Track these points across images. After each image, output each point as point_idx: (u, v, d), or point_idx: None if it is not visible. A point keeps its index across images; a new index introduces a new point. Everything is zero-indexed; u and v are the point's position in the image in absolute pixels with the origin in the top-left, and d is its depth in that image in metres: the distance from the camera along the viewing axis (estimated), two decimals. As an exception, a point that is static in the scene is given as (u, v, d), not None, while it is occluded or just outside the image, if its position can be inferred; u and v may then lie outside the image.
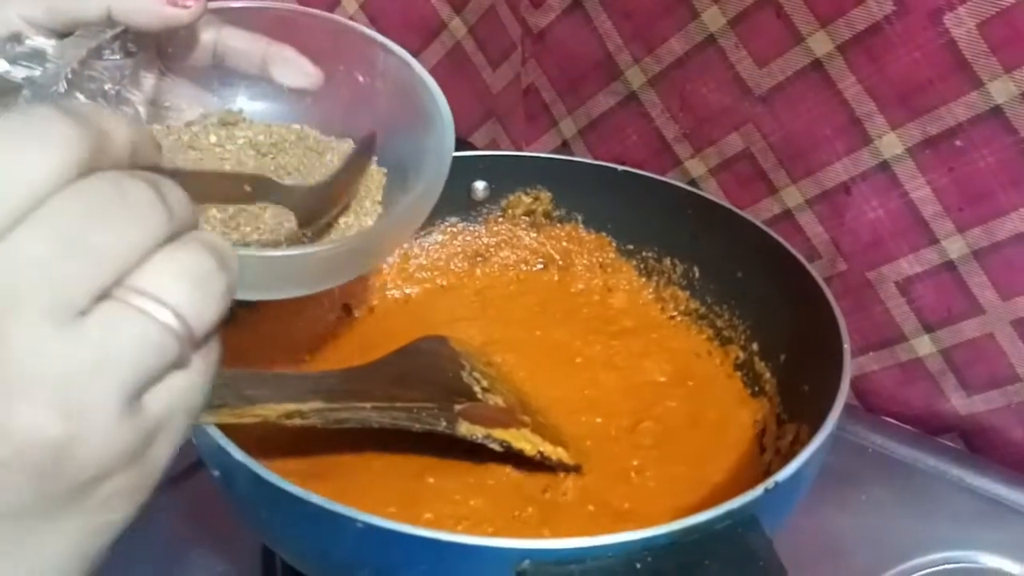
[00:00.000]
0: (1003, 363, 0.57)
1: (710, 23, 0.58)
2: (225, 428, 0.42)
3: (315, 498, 0.38)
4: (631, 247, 0.64)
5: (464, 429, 0.47)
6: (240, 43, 0.42)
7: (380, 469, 0.49)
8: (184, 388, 0.24)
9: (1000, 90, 0.50)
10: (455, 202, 0.64)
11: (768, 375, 0.56)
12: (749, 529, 0.38)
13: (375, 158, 0.42)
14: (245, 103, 0.44)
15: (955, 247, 0.56)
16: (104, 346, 0.22)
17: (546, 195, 0.64)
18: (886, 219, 0.57)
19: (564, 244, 0.65)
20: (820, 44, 0.55)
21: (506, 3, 0.68)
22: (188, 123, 0.43)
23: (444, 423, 0.47)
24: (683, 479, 0.50)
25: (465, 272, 0.65)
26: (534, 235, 0.65)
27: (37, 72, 0.37)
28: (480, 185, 0.64)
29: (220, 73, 0.43)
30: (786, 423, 0.52)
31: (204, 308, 0.23)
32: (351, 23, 0.44)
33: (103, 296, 0.22)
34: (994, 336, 0.57)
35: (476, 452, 0.48)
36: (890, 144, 0.55)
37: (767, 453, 0.52)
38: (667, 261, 0.63)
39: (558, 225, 0.65)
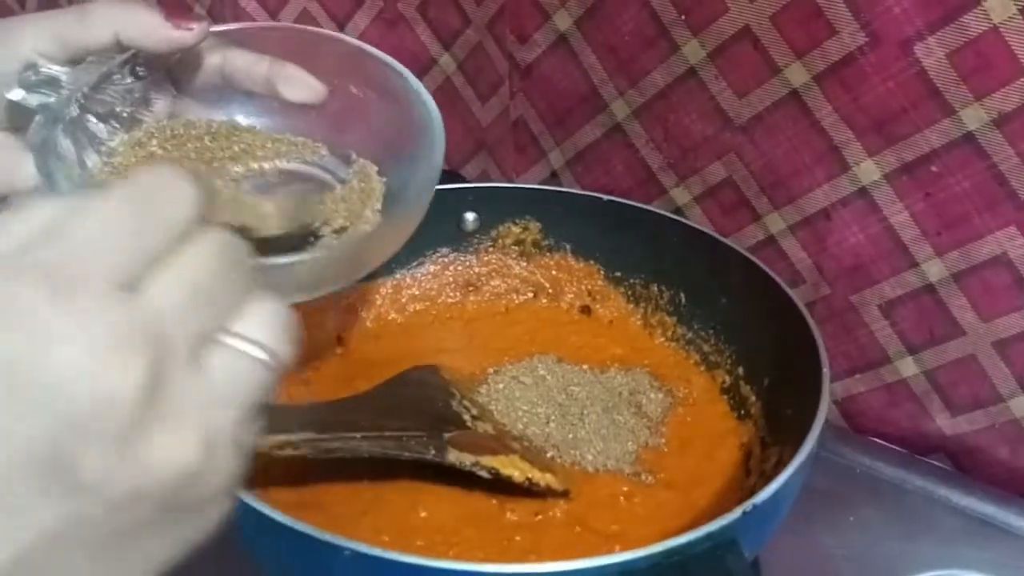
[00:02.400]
0: (986, 384, 0.58)
1: (690, 56, 0.60)
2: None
3: (306, 527, 0.39)
4: (619, 275, 0.65)
5: (453, 457, 0.48)
6: (245, 63, 0.44)
7: (372, 499, 0.50)
8: (262, 419, 0.27)
9: (972, 117, 0.52)
10: (446, 233, 0.66)
11: (753, 399, 0.57)
12: (728, 551, 0.39)
13: (375, 168, 0.44)
14: (252, 120, 0.45)
15: (934, 270, 0.57)
16: (230, 381, 0.25)
17: (535, 225, 0.66)
18: (867, 244, 0.58)
19: (553, 273, 0.66)
20: (797, 75, 0.56)
21: (493, 39, 0.69)
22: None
23: (433, 451, 0.48)
24: (671, 504, 0.51)
25: (456, 301, 0.66)
26: (524, 264, 0.67)
27: (52, 99, 0.39)
28: (470, 216, 0.66)
29: (228, 93, 0.44)
30: (770, 446, 0.53)
31: (286, 348, 0.26)
32: (345, 37, 0.46)
33: (215, 340, 0.25)
34: (976, 357, 0.58)
35: (466, 479, 0.49)
36: (868, 171, 0.56)
37: (752, 476, 0.52)
38: (654, 288, 0.64)
39: (547, 254, 0.66)
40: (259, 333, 0.25)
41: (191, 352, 0.24)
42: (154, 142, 0.41)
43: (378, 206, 0.43)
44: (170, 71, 0.43)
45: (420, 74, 0.72)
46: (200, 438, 0.24)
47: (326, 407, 0.52)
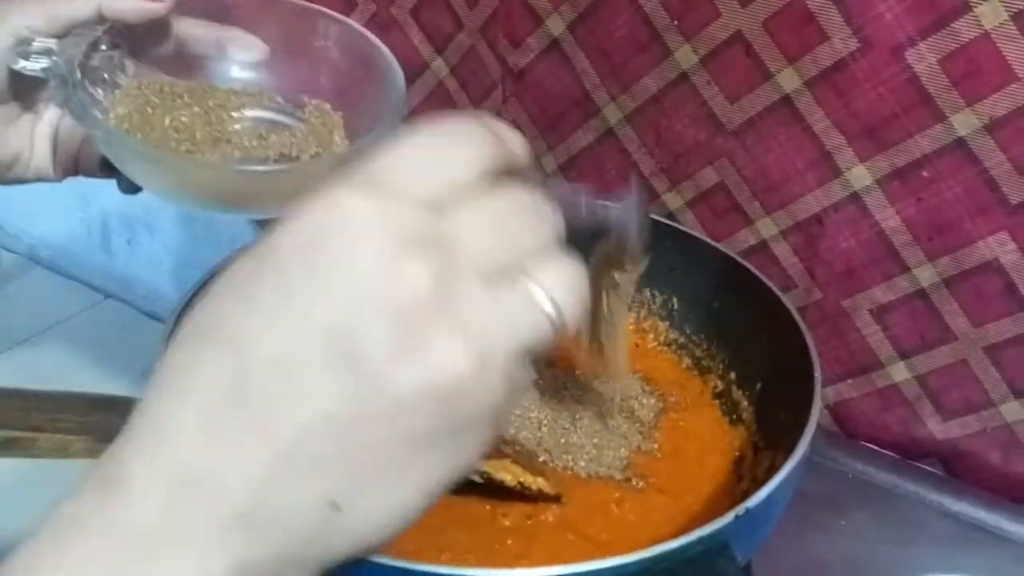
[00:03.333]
0: (977, 389, 0.58)
1: (682, 61, 0.60)
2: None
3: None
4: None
5: None
6: (197, 30, 0.49)
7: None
8: (534, 370, 0.27)
9: (963, 123, 0.52)
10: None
11: (745, 403, 0.57)
12: (720, 556, 0.39)
13: (328, 105, 0.50)
14: (212, 80, 0.51)
15: (926, 275, 0.57)
16: (514, 316, 0.25)
17: (528, 230, 0.65)
18: (858, 249, 0.59)
19: (546, 277, 0.66)
20: (788, 80, 0.56)
21: (486, 43, 0.70)
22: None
23: None
24: (663, 509, 0.51)
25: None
26: (516, 269, 0.66)
27: (50, 67, 0.45)
28: (463, 221, 0.65)
29: (183, 58, 0.50)
30: (762, 450, 0.53)
31: (573, 312, 0.27)
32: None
33: (511, 277, 0.26)
34: (967, 362, 0.58)
35: (458, 483, 0.49)
36: (859, 176, 0.57)
37: (744, 481, 0.52)
38: (647, 292, 0.64)
39: (540, 259, 0.66)
40: (552, 285, 0.26)
41: (484, 276, 0.25)
42: (153, 98, 0.47)
43: (342, 134, 0.48)
44: (135, 40, 0.48)
45: (412, 78, 0.72)
46: (476, 350, 0.24)
47: None
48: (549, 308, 0.26)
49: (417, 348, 0.24)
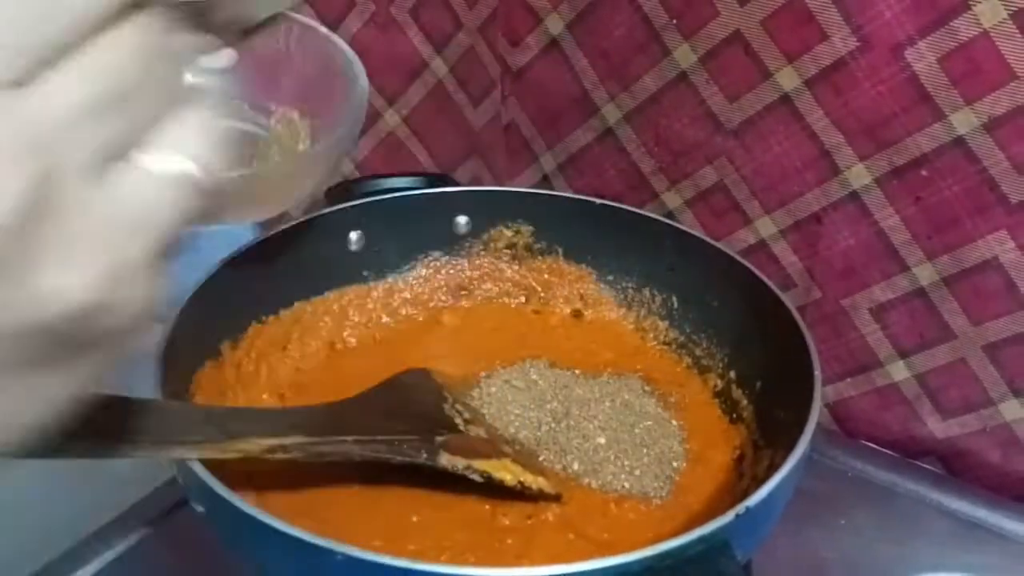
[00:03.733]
0: (976, 387, 0.58)
1: (681, 60, 0.60)
2: (210, 464, 0.42)
3: (298, 532, 0.38)
4: (611, 278, 0.65)
5: (445, 460, 0.48)
6: None
7: (366, 505, 0.50)
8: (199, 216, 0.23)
9: (962, 121, 0.52)
10: (439, 237, 0.66)
11: (745, 402, 0.57)
12: (721, 554, 0.39)
13: (296, 112, 0.49)
14: None
15: (925, 274, 0.57)
16: (141, 206, 0.21)
17: (527, 228, 0.66)
18: (857, 248, 0.59)
19: (545, 276, 0.66)
20: (788, 79, 0.57)
21: (485, 42, 0.70)
22: None
23: (425, 455, 0.47)
24: (662, 508, 0.51)
25: (448, 305, 0.66)
26: (516, 268, 0.66)
27: None
28: (462, 220, 0.66)
29: None
30: (762, 449, 0.53)
31: (213, 156, 0.23)
32: None
33: (131, 153, 0.21)
34: (966, 361, 0.58)
35: (459, 483, 0.49)
36: (859, 175, 0.57)
37: (744, 479, 0.52)
38: (646, 291, 0.64)
39: (539, 258, 0.66)
40: (182, 142, 0.22)
41: (94, 167, 0.20)
42: None
43: (307, 142, 0.48)
44: None
45: (411, 77, 0.72)
46: (101, 269, 0.20)
47: (317, 410, 0.52)
48: (184, 164, 0.22)
49: (25, 281, 0.19)
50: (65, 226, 0.20)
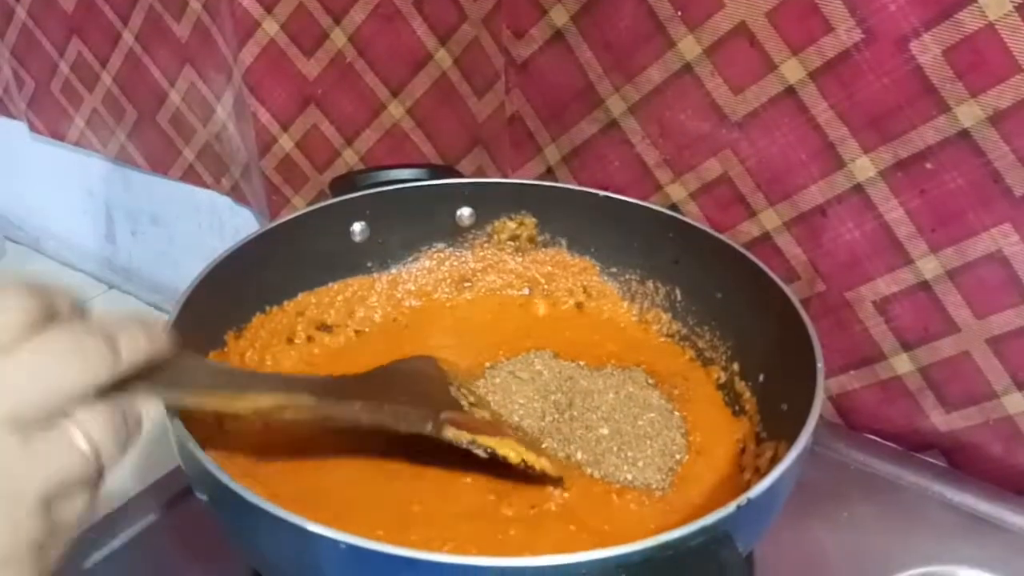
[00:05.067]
0: (980, 380, 0.58)
1: (686, 52, 0.60)
2: (214, 454, 0.43)
3: (301, 520, 0.39)
4: (614, 270, 0.65)
5: (450, 434, 0.48)
6: None
7: (369, 495, 0.50)
8: (83, 503, 0.31)
9: (967, 114, 0.52)
10: (442, 228, 0.66)
11: (748, 395, 0.57)
12: (722, 546, 0.39)
13: None
14: None
15: (929, 267, 0.57)
16: (42, 457, 0.29)
17: (531, 220, 0.66)
18: (862, 240, 0.59)
19: (549, 268, 0.66)
20: (792, 71, 0.56)
21: (489, 34, 0.69)
22: None
23: (431, 426, 0.48)
24: (664, 500, 0.51)
25: (451, 297, 0.66)
26: (519, 260, 0.67)
27: None
28: (466, 211, 0.66)
29: None
30: (765, 441, 0.53)
31: (109, 448, 0.31)
32: None
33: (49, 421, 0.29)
34: (970, 354, 0.58)
35: (462, 463, 0.49)
36: (863, 167, 0.56)
37: (747, 472, 0.52)
38: (650, 284, 0.64)
39: (543, 250, 0.66)
40: (89, 425, 0.30)
41: (14, 421, 0.28)
42: None
43: None
44: None
45: (416, 69, 0.72)
46: None
47: (324, 379, 0.53)
48: (84, 446, 0.30)
49: None
50: None
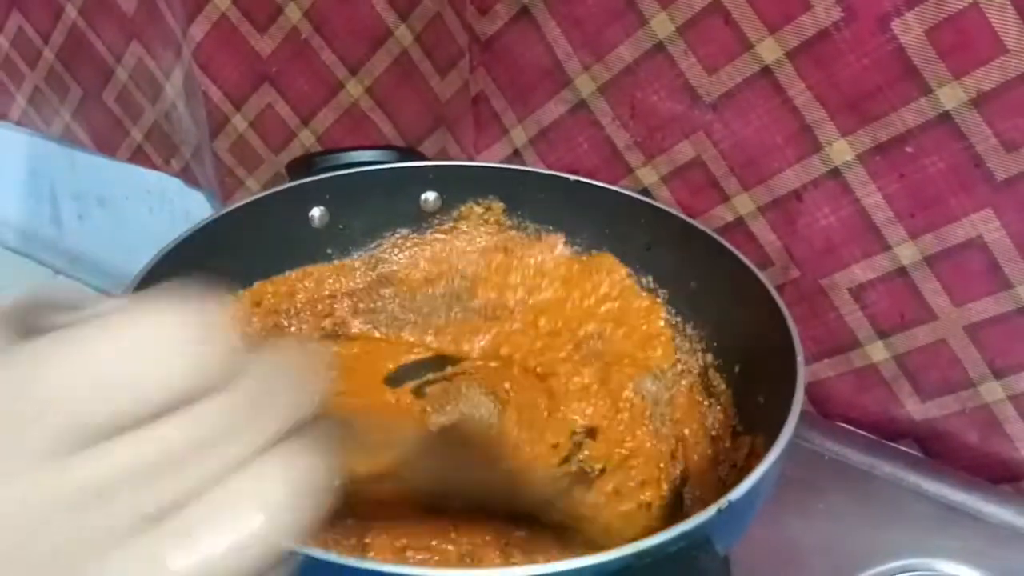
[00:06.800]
0: (956, 368, 0.57)
1: (659, 30, 0.58)
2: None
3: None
4: (585, 257, 0.63)
5: None
6: None
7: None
8: None
9: (949, 96, 0.50)
10: (406, 213, 0.63)
11: (723, 386, 0.55)
12: (702, 551, 0.37)
13: None
14: None
15: (907, 253, 0.56)
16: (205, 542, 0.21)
17: (498, 205, 0.63)
18: (838, 226, 0.57)
19: (517, 255, 0.64)
20: (769, 51, 0.54)
21: (452, 9, 0.67)
22: None
23: None
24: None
25: (415, 285, 0.64)
26: (486, 246, 0.64)
27: None
28: (431, 196, 0.63)
29: None
30: (741, 435, 0.51)
31: (290, 524, 0.23)
32: None
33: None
34: (947, 342, 0.57)
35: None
36: (841, 151, 0.55)
37: (722, 466, 0.51)
38: (622, 272, 0.62)
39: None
40: (251, 493, 0.22)
41: (138, 526, 0.21)
42: None
43: None
44: None
45: (375, 46, 0.69)
46: None
47: None
48: (253, 524, 0.22)
49: None
50: None
